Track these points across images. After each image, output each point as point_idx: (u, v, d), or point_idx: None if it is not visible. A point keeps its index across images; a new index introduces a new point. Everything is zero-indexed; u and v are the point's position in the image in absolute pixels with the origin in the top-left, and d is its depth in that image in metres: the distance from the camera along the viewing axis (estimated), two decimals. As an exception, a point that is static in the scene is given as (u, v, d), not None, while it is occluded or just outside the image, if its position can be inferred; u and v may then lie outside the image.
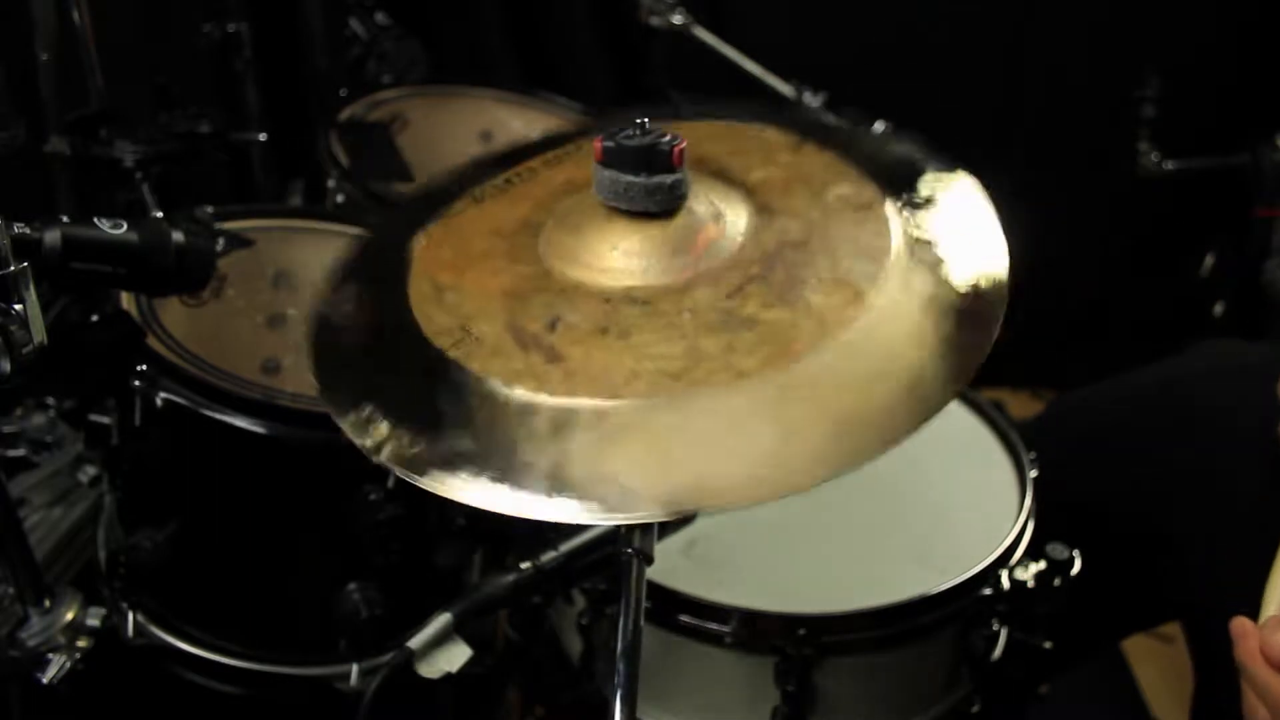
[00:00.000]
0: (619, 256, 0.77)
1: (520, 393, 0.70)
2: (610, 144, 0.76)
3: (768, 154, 0.87)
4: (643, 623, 0.78)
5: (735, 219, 0.80)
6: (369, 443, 0.72)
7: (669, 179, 0.76)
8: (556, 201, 0.85)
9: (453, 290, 0.79)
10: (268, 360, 1.41)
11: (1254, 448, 1.18)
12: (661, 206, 0.77)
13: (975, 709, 1.23)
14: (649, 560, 0.81)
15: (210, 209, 1.35)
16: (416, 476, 0.69)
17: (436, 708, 1.24)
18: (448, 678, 0.94)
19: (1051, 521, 1.24)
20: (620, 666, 0.77)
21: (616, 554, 0.81)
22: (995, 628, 1.20)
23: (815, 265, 0.76)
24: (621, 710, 0.76)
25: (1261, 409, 1.15)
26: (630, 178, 0.76)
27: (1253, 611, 0.91)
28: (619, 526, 0.81)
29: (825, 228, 0.79)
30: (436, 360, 0.74)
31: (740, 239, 0.79)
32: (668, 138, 0.76)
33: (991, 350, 0.73)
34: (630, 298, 0.75)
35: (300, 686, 1.22)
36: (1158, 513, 1.30)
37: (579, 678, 1.22)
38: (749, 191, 0.82)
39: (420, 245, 0.85)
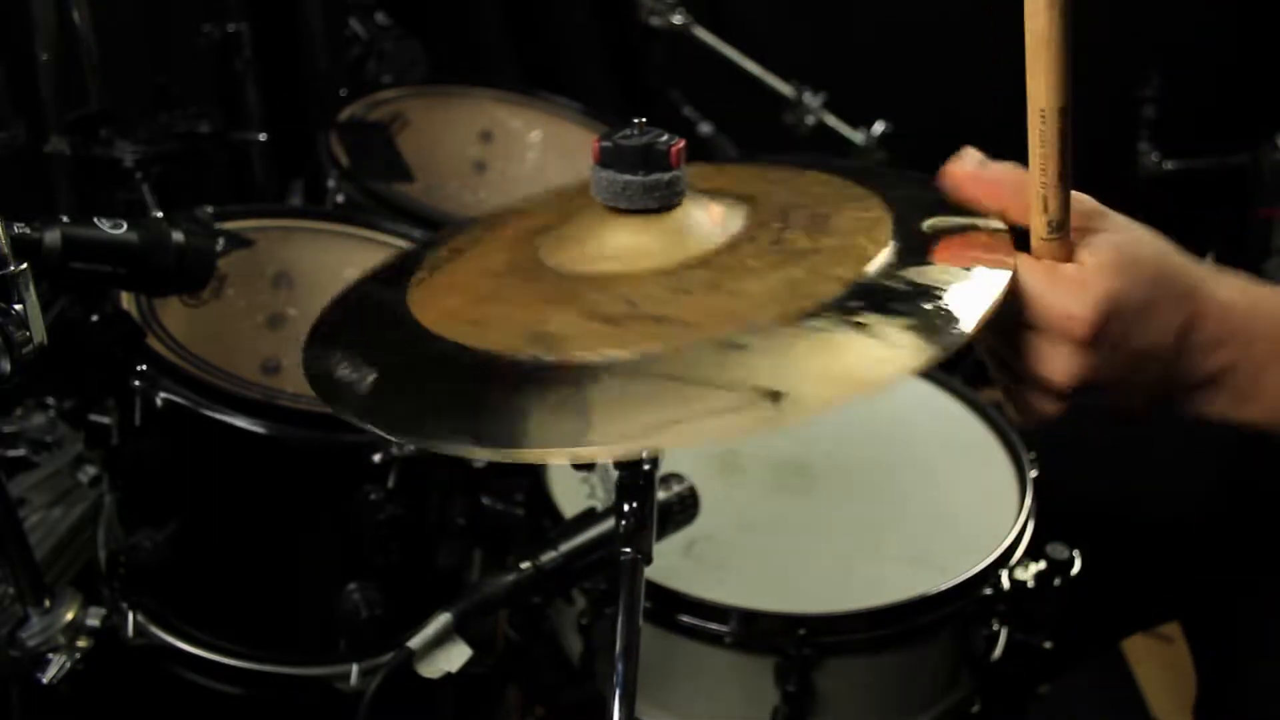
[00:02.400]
0: (647, 241, 0.77)
1: (656, 347, 0.68)
2: (608, 144, 0.76)
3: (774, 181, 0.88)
4: (641, 623, 0.79)
5: (733, 208, 0.81)
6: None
7: (667, 176, 0.77)
8: (532, 238, 0.84)
9: (492, 320, 0.77)
10: (268, 360, 1.41)
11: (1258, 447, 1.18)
12: (661, 203, 0.77)
13: (975, 709, 1.23)
14: (648, 560, 0.82)
15: (210, 209, 1.36)
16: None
17: (436, 708, 1.24)
18: (448, 678, 0.94)
19: (1051, 521, 1.24)
20: (619, 666, 0.77)
21: (615, 554, 0.81)
22: (995, 628, 1.20)
23: (825, 209, 0.79)
24: (620, 710, 0.76)
25: None
26: (629, 176, 0.76)
27: (1253, 607, 0.91)
28: (618, 526, 0.82)
29: (818, 199, 0.82)
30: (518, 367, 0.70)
31: (743, 218, 0.80)
32: (665, 137, 0.77)
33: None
34: (685, 265, 0.75)
35: (300, 686, 1.22)
36: (1158, 512, 1.30)
37: (579, 678, 1.22)
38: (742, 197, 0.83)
39: (416, 297, 0.83)
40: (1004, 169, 0.75)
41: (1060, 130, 0.69)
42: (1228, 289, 0.76)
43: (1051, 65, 0.68)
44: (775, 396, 0.63)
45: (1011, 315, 0.72)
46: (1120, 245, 0.72)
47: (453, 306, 0.80)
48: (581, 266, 0.78)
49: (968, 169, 0.76)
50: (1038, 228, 0.73)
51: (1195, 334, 0.73)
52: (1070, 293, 0.71)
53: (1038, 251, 0.73)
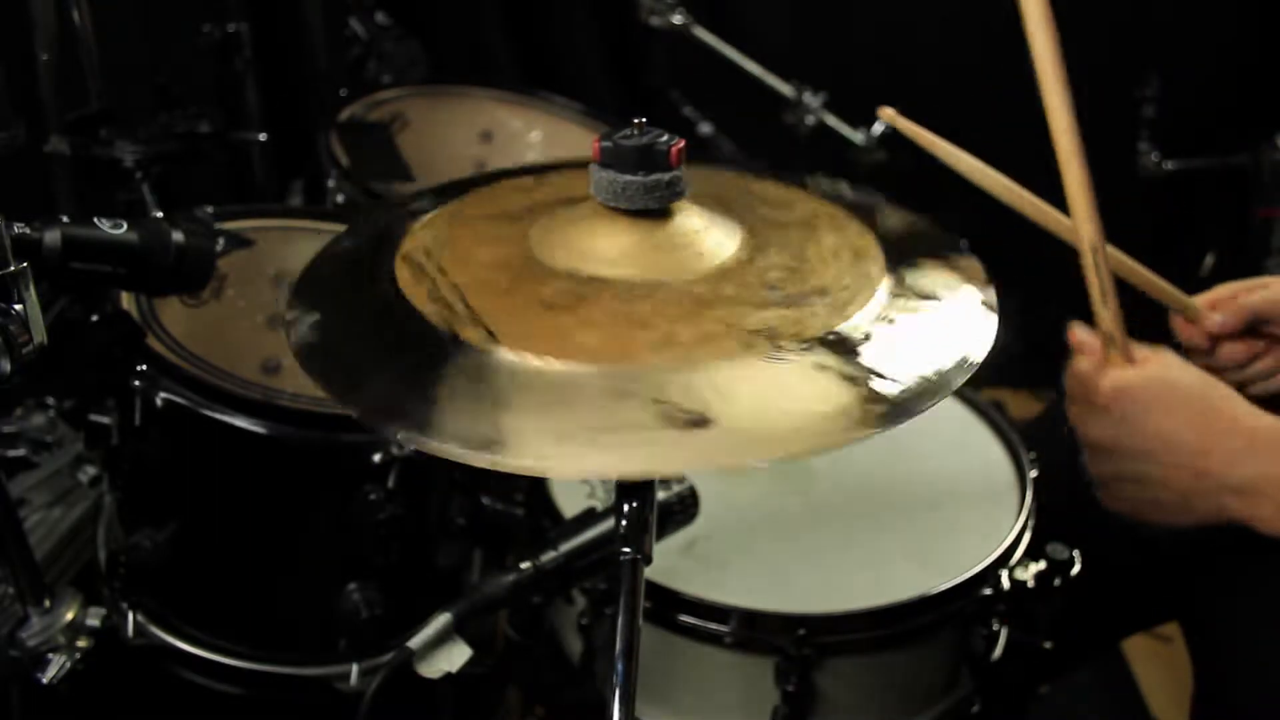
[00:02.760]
0: (637, 248, 0.77)
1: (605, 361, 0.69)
2: (608, 144, 0.76)
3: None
4: (641, 623, 0.79)
5: (727, 229, 0.82)
6: None
7: (667, 176, 0.77)
8: (528, 216, 0.84)
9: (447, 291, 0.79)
10: (268, 360, 1.41)
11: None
12: (661, 203, 0.77)
13: (975, 709, 1.23)
14: (648, 560, 0.82)
15: (210, 209, 1.36)
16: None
17: (436, 708, 1.24)
18: (448, 678, 0.94)
19: (1051, 521, 1.24)
20: (619, 666, 0.77)
21: (615, 554, 0.81)
22: (995, 628, 1.20)
23: (818, 247, 0.82)
24: (620, 710, 0.76)
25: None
26: (629, 176, 0.76)
27: (1253, 607, 0.92)
28: (618, 526, 0.82)
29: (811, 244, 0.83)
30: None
31: (736, 244, 0.80)
32: (665, 137, 0.76)
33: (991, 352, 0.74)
34: (666, 282, 0.75)
35: (300, 686, 1.22)
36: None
37: (579, 678, 1.22)
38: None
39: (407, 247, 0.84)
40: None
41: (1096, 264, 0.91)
42: (1259, 417, 0.90)
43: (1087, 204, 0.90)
44: (702, 423, 0.63)
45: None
46: (1158, 370, 0.93)
47: (426, 259, 0.81)
48: (566, 260, 0.78)
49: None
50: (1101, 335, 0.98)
51: (1224, 439, 0.86)
52: (1107, 375, 0.94)
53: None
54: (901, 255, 0.82)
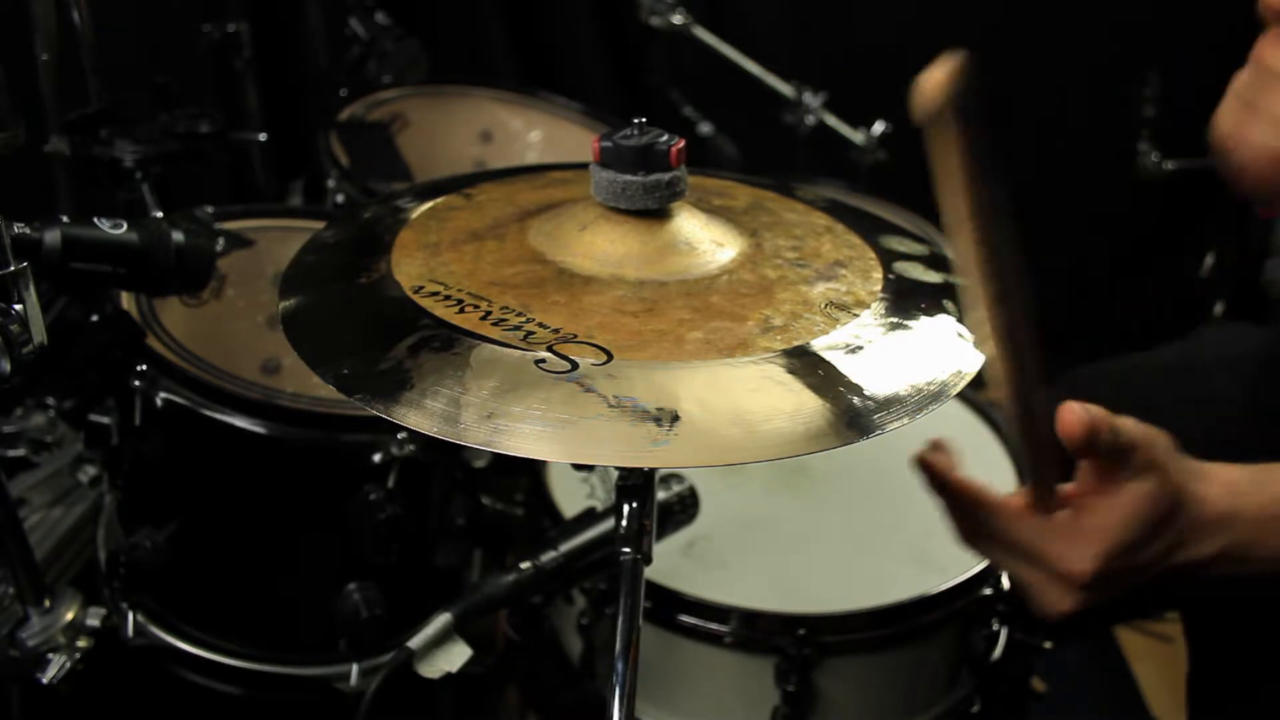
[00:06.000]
0: (638, 249, 0.77)
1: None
2: (608, 144, 0.76)
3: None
4: (641, 622, 0.79)
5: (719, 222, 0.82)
6: None
7: (667, 176, 0.77)
8: (529, 215, 0.84)
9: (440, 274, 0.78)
10: (268, 360, 1.41)
11: (1261, 430, 1.18)
12: (660, 204, 0.77)
13: (975, 709, 1.23)
14: (647, 560, 0.82)
15: (210, 209, 1.35)
16: None
17: (436, 708, 1.24)
18: (448, 678, 0.94)
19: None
20: (619, 666, 0.77)
21: (616, 554, 0.81)
22: (995, 628, 1.20)
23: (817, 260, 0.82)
24: (620, 710, 0.76)
25: (1273, 393, 1.15)
26: (629, 176, 0.76)
27: (1252, 602, 0.92)
28: (618, 527, 0.82)
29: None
30: None
31: (740, 239, 0.81)
32: (665, 137, 0.76)
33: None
34: (657, 280, 0.75)
35: (300, 686, 1.22)
36: None
37: (579, 678, 1.22)
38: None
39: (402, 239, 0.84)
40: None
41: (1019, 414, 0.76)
42: (1216, 489, 0.81)
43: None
44: (671, 419, 0.63)
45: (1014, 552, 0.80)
46: (1122, 500, 0.77)
47: (422, 241, 0.81)
48: (560, 256, 0.78)
49: (943, 468, 0.84)
50: (1033, 490, 0.80)
51: (1187, 536, 0.79)
52: (1071, 547, 0.77)
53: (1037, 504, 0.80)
54: (867, 230, 0.86)
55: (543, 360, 0.67)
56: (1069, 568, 0.77)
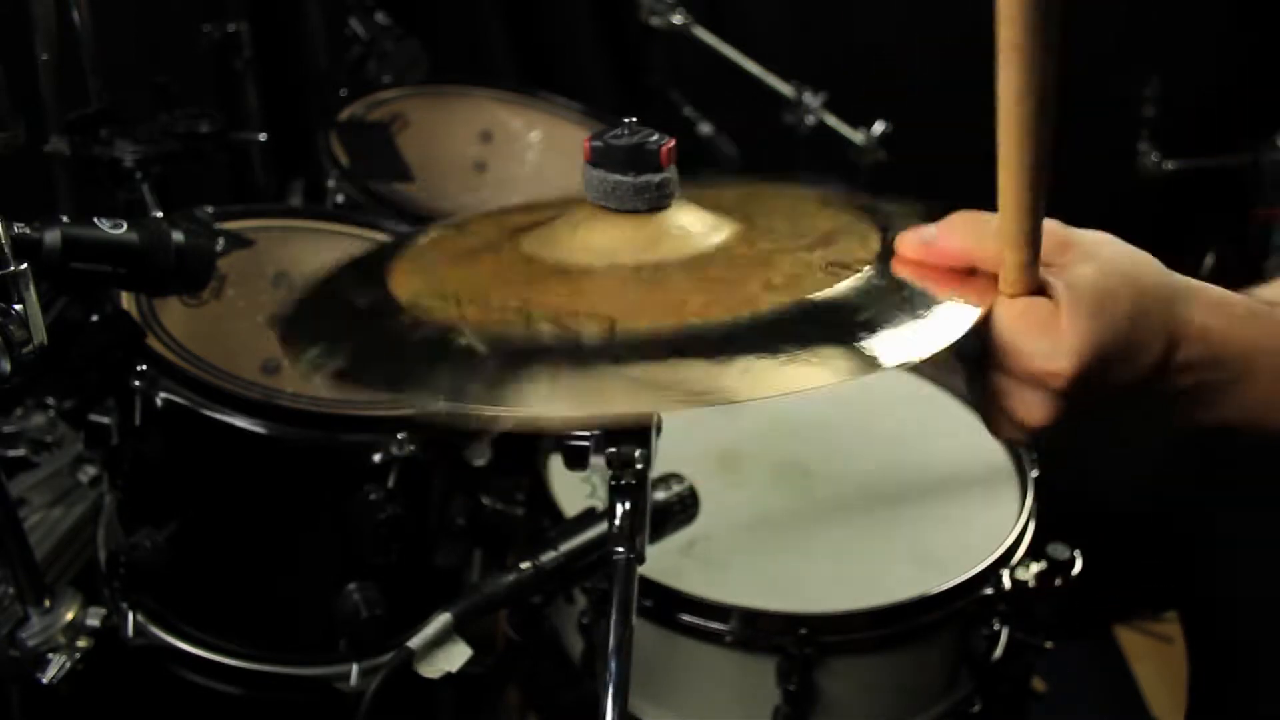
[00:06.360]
0: (625, 239, 0.77)
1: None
2: (599, 143, 0.76)
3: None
4: (634, 621, 0.79)
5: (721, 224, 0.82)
6: None
7: (658, 177, 0.76)
8: (519, 229, 0.85)
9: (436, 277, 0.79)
10: (268, 360, 1.41)
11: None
12: (651, 205, 0.77)
13: (975, 709, 1.23)
14: (641, 559, 0.82)
15: (210, 209, 1.35)
16: None
17: (436, 708, 1.24)
18: (448, 678, 0.94)
19: (1051, 521, 1.24)
20: (611, 664, 0.77)
21: (608, 553, 0.81)
22: (996, 628, 1.20)
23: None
24: (613, 708, 0.76)
25: None
26: (619, 177, 0.76)
27: (1253, 601, 0.91)
28: (611, 526, 0.82)
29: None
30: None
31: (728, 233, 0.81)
32: (655, 137, 0.76)
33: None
34: (653, 264, 0.75)
35: (300, 686, 1.22)
36: (1160, 501, 1.30)
37: (579, 678, 1.22)
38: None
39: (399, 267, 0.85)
40: (954, 227, 0.73)
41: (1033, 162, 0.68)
42: (1204, 310, 0.75)
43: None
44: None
45: (984, 354, 0.71)
46: (1096, 284, 0.70)
47: (417, 266, 0.82)
48: (554, 255, 0.78)
49: (915, 248, 0.74)
50: (1010, 265, 0.71)
51: (1173, 358, 0.72)
52: (1049, 342, 0.68)
53: (1008, 287, 0.71)
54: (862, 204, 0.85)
55: (545, 331, 0.68)
56: (1045, 365, 0.69)
